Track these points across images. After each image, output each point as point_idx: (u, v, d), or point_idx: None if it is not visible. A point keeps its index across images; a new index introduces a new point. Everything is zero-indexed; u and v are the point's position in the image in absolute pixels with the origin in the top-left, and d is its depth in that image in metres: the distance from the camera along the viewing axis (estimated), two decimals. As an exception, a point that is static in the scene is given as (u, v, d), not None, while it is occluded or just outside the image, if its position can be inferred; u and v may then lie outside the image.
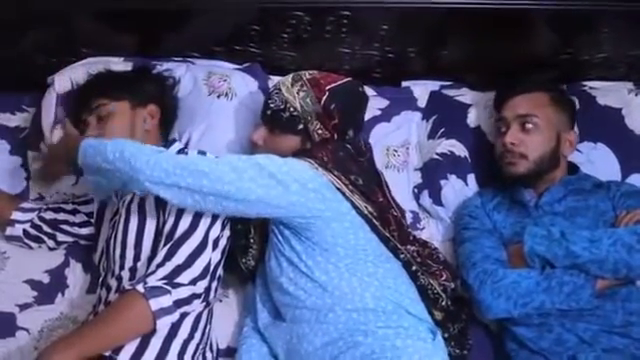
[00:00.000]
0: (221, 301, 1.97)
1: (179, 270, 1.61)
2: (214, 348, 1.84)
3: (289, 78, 1.87)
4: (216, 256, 1.70)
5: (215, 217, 1.71)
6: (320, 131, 1.81)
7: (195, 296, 1.62)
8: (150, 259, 1.69)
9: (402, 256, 1.81)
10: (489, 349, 1.95)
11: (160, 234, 1.70)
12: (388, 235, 1.79)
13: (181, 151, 1.84)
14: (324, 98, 1.81)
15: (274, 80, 2.21)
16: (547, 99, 1.97)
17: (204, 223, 1.68)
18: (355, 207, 1.72)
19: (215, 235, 1.70)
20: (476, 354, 1.89)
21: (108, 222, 1.89)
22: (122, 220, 1.78)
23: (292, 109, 1.81)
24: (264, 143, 1.86)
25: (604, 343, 1.72)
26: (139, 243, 1.73)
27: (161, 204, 1.72)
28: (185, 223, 1.66)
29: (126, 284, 1.66)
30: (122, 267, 1.74)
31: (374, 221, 1.75)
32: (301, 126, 1.82)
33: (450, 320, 1.85)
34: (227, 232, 1.79)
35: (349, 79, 1.90)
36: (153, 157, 1.63)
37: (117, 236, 1.78)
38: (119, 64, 2.19)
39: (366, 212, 1.74)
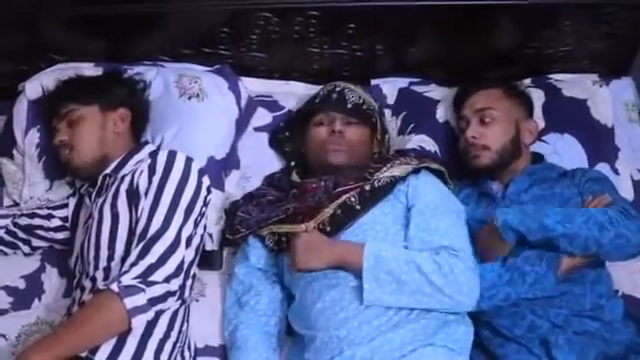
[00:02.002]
0: (197, 301, 1.98)
1: (152, 268, 1.61)
2: (192, 347, 1.85)
3: (349, 83, 2.12)
4: (189, 254, 1.71)
5: (187, 215, 1.72)
6: (382, 126, 2.12)
7: (170, 294, 1.63)
8: (124, 259, 1.69)
9: None
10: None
11: (133, 234, 1.71)
12: None
13: (153, 153, 1.85)
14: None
15: (244, 81, 2.24)
16: (501, 93, 2.04)
17: (176, 221, 1.69)
18: None
19: (188, 233, 1.71)
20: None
21: (82, 225, 1.90)
22: (95, 222, 1.79)
23: (370, 105, 2.09)
24: (344, 131, 2.00)
25: (576, 326, 1.75)
26: (112, 243, 1.74)
27: (134, 203, 1.73)
28: (157, 222, 1.67)
29: (100, 284, 1.66)
30: (96, 268, 1.75)
31: None
32: (374, 119, 2.08)
33: None
34: (200, 230, 1.80)
35: None
36: None
37: (91, 238, 1.78)
38: (90, 70, 2.20)
39: None
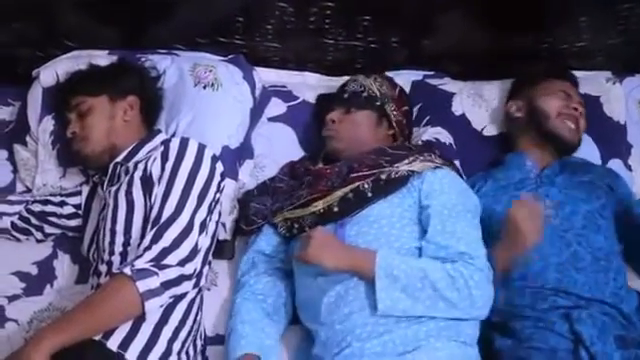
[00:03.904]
0: (209, 289, 1.98)
1: (166, 252, 1.61)
2: (203, 336, 1.86)
3: (362, 75, 2.09)
4: (204, 240, 1.71)
5: (201, 200, 1.72)
6: (395, 112, 2.05)
7: (184, 277, 1.63)
8: (139, 245, 1.69)
9: None
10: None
11: (147, 220, 1.71)
12: None
13: (166, 141, 1.85)
14: (397, 89, 2.11)
15: (259, 71, 2.24)
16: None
17: (189, 206, 1.69)
18: None
19: (201, 218, 1.71)
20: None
21: (97, 213, 1.90)
22: (110, 209, 1.79)
23: (370, 91, 2.04)
24: (338, 122, 2.01)
25: (597, 308, 1.77)
26: (128, 229, 1.74)
27: (147, 190, 1.73)
28: (170, 207, 1.67)
29: (115, 268, 1.66)
30: (112, 253, 1.75)
31: None
32: (378, 103, 2.03)
33: None
34: (215, 216, 1.80)
35: None
36: None
37: (106, 224, 1.79)
38: (104, 57, 2.19)
39: None
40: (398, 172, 1.84)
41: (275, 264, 1.94)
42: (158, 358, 1.63)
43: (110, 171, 1.89)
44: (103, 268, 1.76)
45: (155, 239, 1.63)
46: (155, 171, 1.74)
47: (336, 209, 1.83)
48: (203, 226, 1.71)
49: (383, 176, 1.84)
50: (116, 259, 1.74)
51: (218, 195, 1.82)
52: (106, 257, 1.76)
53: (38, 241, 2.06)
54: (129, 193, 1.77)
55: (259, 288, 1.90)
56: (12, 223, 2.03)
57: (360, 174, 1.86)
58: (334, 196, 1.84)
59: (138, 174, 1.77)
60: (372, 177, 1.84)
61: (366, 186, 1.83)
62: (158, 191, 1.70)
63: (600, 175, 2.03)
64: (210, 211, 1.76)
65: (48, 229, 2.04)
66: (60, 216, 2.03)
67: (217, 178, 1.80)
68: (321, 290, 1.75)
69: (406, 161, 1.87)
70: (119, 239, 1.75)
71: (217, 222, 1.80)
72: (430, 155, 1.92)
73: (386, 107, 2.04)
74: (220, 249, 2.03)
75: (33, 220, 2.03)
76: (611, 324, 1.74)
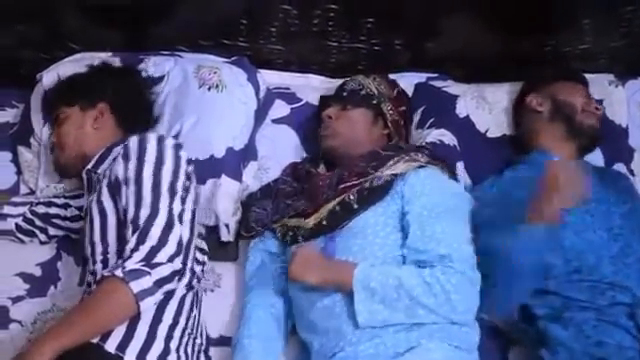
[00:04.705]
0: (213, 291, 1.99)
1: (154, 250, 1.59)
2: (204, 335, 1.85)
3: (360, 75, 2.10)
4: (185, 231, 1.67)
5: (173, 193, 1.69)
6: (392, 111, 2.05)
7: (176, 273, 1.61)
8: (118, 249, 1.70)
9: None
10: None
11: (122, 223, 1.70)
12: None
13: (125, 142, 1.77)
14: (396, 89, 2.11)
15: (262, 73, 2.25)
16: None
17: (164, 201, 1.66)
18: None
19: (178, 210, 1.68)
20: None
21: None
22: (88, 220, 1.79)
23: (368, 89, 2.04)
24: (336, 117, 2.02)
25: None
26: (105, 238, 1.74)
27: (116, 192, 1.72)
28: (146, 207, 1.64)
29: (104, 271, 1.61)
30: (95, 262, 1.75)
31: None
32: (375, 101, 2.03)
33: None
34: (189, 205, 1.75)
35: None
36: None
37: (85, 235, 1.79)
38: (106, 59, 2.18)
39: None
40: (381, 178, 1.83)
41: (282, 262, 1.94)
42: (157, 357, 1.62)
43: (85, 180, 1.89)
44: (90, 279, 1.76)
45: (141, 239, 1.61)
46: (120, 173, 1.71)
47: (325, 222, 1.84)
48: (181, 218, 1.68)
49: (367, 184, 1.84)
50: (99, 267, 1.73)
51: (188, 183, 1.77)
52: (91, 266, 1.77)
53: (42, 243, 2.07)
54: (100, 202, 1.75)
55: (269, 292, 1.91)
56: (16, 225, 2.03)
57: (348, 184, 1.86)
58: (324, 210, 1.86)
59: (105, 182, 1.76)
60: (358, 187, 1.85)
61: (352, 197, 1.84)
62: (128, 193, 1.67)
63: (615, 178, 2.03)
64: (183, 201, 1.72)
65: (52, 231, 2.04)
66: (64, 218, 2.04)
67: (183, 166, 1.75)
68: (310, 302, 1.77)
69: (391, 162, 1.86)
70: (98, 249, 1.74)
71: (193, 211, 1.76)
72: (417, 154, 1.90)
73: (382, 106, 2.03)
74: (223, 251, 2.03)
75: (37, 222, 2.03)
76: None
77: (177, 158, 1.74)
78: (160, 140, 1.74)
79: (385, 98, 2.05)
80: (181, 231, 1.65)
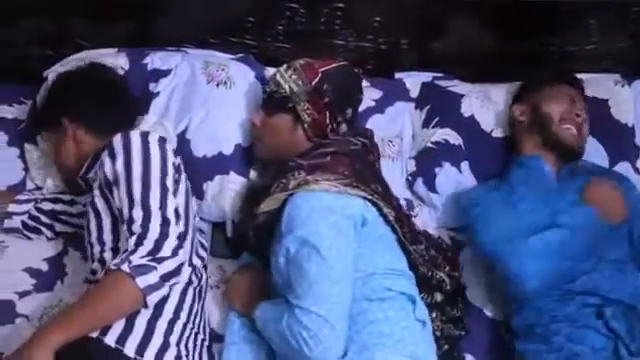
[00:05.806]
0: (218, 287, 2.00)
1: (159, 244, 1.60)
2: (207, 331, 1.86)
3: (285, 65, 1.95)
4: (181, 224, 1.69)
5: (164, 187, 1.69)
6: (309, 111, 1.87)
7: (181, 265, 1.62)
8: (114, 248, 1.72)
9: (411, 257, 1.85)
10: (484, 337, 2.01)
11: (116, 221, 1.71)
12: (404, 240, 1.85)
13: (109, 143, 1.76)
14: (316, 79, 1.88)
15: (269, 70, 2.24)
16: None
17: (155, 197, 1.67)
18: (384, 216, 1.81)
19: (173, 205, 1.69)
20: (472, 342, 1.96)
21: None
22: (85, 222, 1.81)
23: (283, 91, 1.89)
24: (261, 125, 1.95)
25: (623, 304, 1.79)
26: (101, 238, 1.75)
27: (108, 191, 1.72)
28: (140, 205, 1.65)
29: (111, 265, 1.61)
30: (93, 261, 1.77)
31: (396, 227, 1.83)
32: (291, 104, 1.89)
33: (449, 303, 1.90)
34: (181, 199, 1.76)
35: (344, 62, 1.98)
36: None
37: (84, 236, 1.82)
38: (113, 56, 2.20)
39: (391, 219, 1.82)
40: (260, 217, 1.83)
41: None
42: (156, 351, 1.63)
43: (84, 185, 1.92)
44: (90, 277, 1.79)
45: (143, 234, 1.61)
46: (108, 172, 1.71)
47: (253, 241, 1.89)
48: (177, 212, 1.69)
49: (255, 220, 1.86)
50: (97, 266, 1.75)
51: (177, 176, 1.77)
52: (90, 265, 1.79)
53: (49, 239, 2.07)
54: (93, 204, 1.77)
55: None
56: (23, 222, 2.04)
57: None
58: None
59: (96, 184, 1.77)
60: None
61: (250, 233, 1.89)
62: (121, 193, 1.68)
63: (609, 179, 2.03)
64: (175, 194, 1.73)
65: (58, 227, 2.05)
66: (71, 215, 2.04)
67: (171, 159, 1.76)
68: None
69: (272, 191, 1.81)
70: (96, 249, 1.76)
71: (186, 203, 1.78)
72: (293, 174, 1.79)
73: (298, 107, 1.88)
74: (229, 247, 2.05)
75: (43, 218, 2.04)
76: (637, 320, 1.76)
77: (164, 151, 1.75)
78: (143, 135, 1.75)
79: (301, 97, 1.87)
80: (178, 223, 1.67)
